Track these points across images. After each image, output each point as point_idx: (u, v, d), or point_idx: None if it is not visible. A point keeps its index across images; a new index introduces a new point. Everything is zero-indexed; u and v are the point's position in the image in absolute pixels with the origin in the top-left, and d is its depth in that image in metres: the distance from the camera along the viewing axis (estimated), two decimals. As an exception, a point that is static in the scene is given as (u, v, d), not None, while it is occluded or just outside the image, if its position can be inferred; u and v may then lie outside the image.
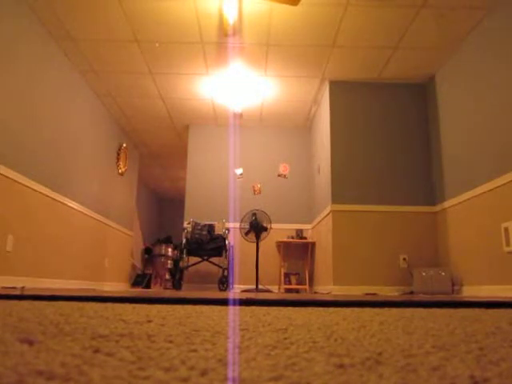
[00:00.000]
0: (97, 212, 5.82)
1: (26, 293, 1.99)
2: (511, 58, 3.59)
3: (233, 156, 6.54)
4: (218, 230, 5.94)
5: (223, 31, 4.22)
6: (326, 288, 4.96)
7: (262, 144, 6.65)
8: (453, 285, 4.24)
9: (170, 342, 0.57)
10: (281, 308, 1.38)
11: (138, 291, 5.07)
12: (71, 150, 5.04)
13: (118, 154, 6.73)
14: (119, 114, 6.37)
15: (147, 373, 0.38)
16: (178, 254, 5.93)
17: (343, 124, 5.18)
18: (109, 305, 1.34)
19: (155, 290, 6.85)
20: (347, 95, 5.25)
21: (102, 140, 6.06)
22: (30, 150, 4.09)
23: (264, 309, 1.34)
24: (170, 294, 2.75)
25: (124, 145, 6.91)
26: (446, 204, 4.56)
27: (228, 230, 6.01)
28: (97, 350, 0.48)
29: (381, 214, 4.86)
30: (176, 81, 5.35)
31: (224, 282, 5.62)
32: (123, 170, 6.91)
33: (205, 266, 5.92)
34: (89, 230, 5.58)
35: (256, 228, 5.46)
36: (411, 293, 4.39)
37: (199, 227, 5.83)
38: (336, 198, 4.92)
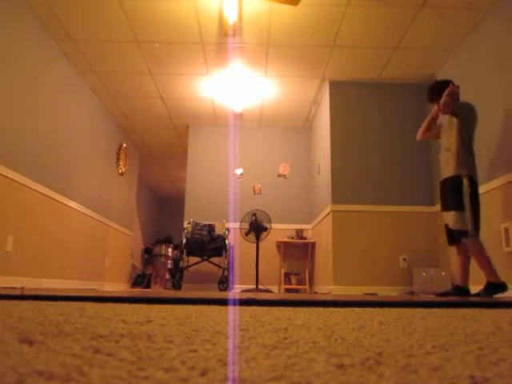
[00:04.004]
0: (97, 212, 5.82)
1: (26, 293, 1.99)
2: (510, 57, 3.59)
3: (233, 156, 6.54)
4: (218, 230, 5.94)
5: (223, 31, 4.22)
6: (326, 288, 4.96)
7: (262, 144, 6.65)
8: (453, 285, 4.23)
9: (170, 342, 0.57)
10: (281, 308, 1.38)
11: (138, 291, 5.07)
12: (71, 150, 5.04)
13: (118, 154, 6.73)
14: (119, 114, 6.37)
15: (147, 373, 0.38)
16: (178, 254, 5.93)
17: (343, 124, 5.18)
18: (109, 305, 1.34)
19: (155, 290, 6.85)
20: (347, 95, 5.25)
21: (102, 140, 6.06)
22: (30, 150, 4.09)
23: (264, 309, 1.34)
24: (170, 294, 2.76)
25: (124, 145, 6.91)
26: (446, 204, 4.55)
27: (228, 230, 6.01)
28: (97, 350, 0.48)
29: (381, 214, 4.85)
30: (176, 81, 5.35)
31: (224, 282, 5.62)
32: (123, 170, 6.91)
33: (205, 266, 5.92)
34: (89, 229, 5.58)
35: (256, 228, 5.45)
36: (411, 293, 4.39)
37: (199, 227, 5.83)
38: (336, 198, 4.91)
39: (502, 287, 3.12)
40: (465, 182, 3.25)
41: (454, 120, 3.37)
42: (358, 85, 5.26)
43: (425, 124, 3.71)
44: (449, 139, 3.41)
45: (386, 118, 5.17)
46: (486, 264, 3.17)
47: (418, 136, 3.80)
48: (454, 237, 3.31)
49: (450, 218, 3.28)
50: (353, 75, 5.15)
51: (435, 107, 3.55)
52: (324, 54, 4.70)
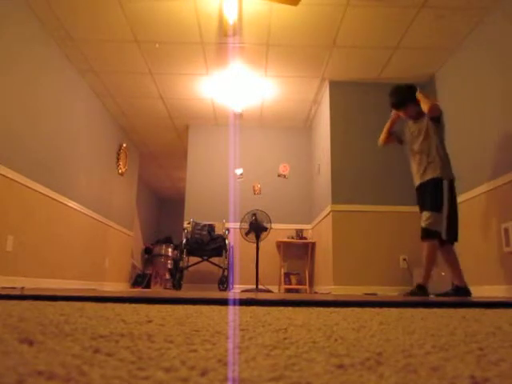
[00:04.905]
0: (97, 212, 5.82)
1: (26, 293, 1.99)
2: (510, 57, 3.59)
3: (233, 156, 6.54)
4: (218, 230, 5.94)
5: (223, 31, 4.22)
6: (326, 288, 4.96)
7: (262, 144, 6.65)
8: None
9: (170, 342, 0.57)
10: (281, 308, 1.37)
11: (138, 291, 5.07)
12: (71, 150, 5.04)
13: (118, 154, 6.73)
14: (119, 114, 6.37)
15: (147, 373, 0.38)
16: (178, 254, 5.93)
17: (343, 124, 5.18)
18: (109, 305, 1.34)
19: (155, 290, 6.85)
20: (347, 95, 5.24)
21: (102, 140, 6.06)
22: (30, 150, 4.09)
23: (264, 309, 1.34)
24: (170, 294, 2.75)
25: (124, 145, 6.91)
26: (446, 204, 4.55)
27: (228, 230, 6.01)
28: (97, 350, 0.48)
29: (381, 214, 4.85)
30: (176, 81, 5.35)
31: (224, 282, 5.62)
32: (123, 170, 6.91)
33: (205, 266, 5.92)
34: (89, 230, 5.58)
35: (256, 228, 5.45)
36: (411, 293, 4.38)
37: (199, 227, 5.83)
38: (336, 198, 4.91)
39: (428, 293, 3.28)
40: (445, 184, 3.23)
41: (430, 123, 3.33)
42: (357, 85, 5.26)
43: (386, 129, 3.73)
44: (423, 143, 3.36)
45: (386, 118, 5.15)
46: (430, 270, 3.28)
47: (381, 142, 3.78)
48: (424, 236, 3.28)
49: (425, 217, 3.25)
50: (353, 75, 5.15)
51: (397, 112, 3.57)
52: (324, 54, 4.70)
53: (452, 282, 3.45)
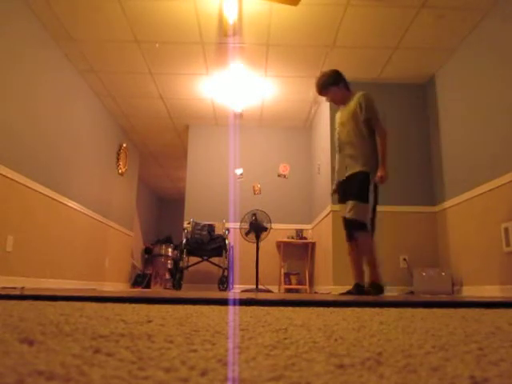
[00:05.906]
0: (97, 212, 5.82)
1: (26, 293, 1.99)
2: (510, 57, 3.59)
3: (233, 156, 6.54)
4: (218, 230, 5.94)
5: (223, 31, 4.22)
6: (326, 288, 4.96)
7: (262, 144, 6.65)
8: (453, 285, 4.23)
9: (170, 342, 0.57)
10: (281, 308, 1.37)
11: (138, 291, 5.06)
12: (71, 150, 5.04)
13: (118, 154, 6.73)
14: (119, 114, 6.37)
15: (147, 373, 0.38)
16: (178, 254, 5.93)
17: (343, 124, 5.17)
18: (109, 305, 1.34)
19: (155, 290, 6.85)
20: (347, 95, 5.23)
21: (102, 140, 6.06)
22: (30, 150, 4.09)
23: (264, 309, 1.34)
24: (170, 294, 2.75)
25: (124, 145, 6.91)
26: (446, 204, 4.55)
27: (228, 230, 6.01)
28: (97, 350, 0.48)
29: (381, 214, 4.82)
30: (176, 81, 5.35)
31: (224, 282, 5.62)
32: (123, 170, 6.91)
33: (205, 266, 5.92)
34: (89, 230, 5.58)
35: (256, 228, 5.45)
36: (411, 293, 4.39)
37: (199, 227, 5.83)
38: (336, 197, 4.90)
39: (383, 289, 3.16)
40: (372, 178, 3.17)
41: (358, 112, 3.26)
42: (357, 85, 5.23)
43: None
44: (351, 133, 3.27)
45: (385, 118, 5.15)
46: (375, 264, 3.20)
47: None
48: (350, 230, 3.21)
49: (350, 207, 3.15)
50: (353, 75, 5.13)
51: None
52: (324, 54, 4.70)
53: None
